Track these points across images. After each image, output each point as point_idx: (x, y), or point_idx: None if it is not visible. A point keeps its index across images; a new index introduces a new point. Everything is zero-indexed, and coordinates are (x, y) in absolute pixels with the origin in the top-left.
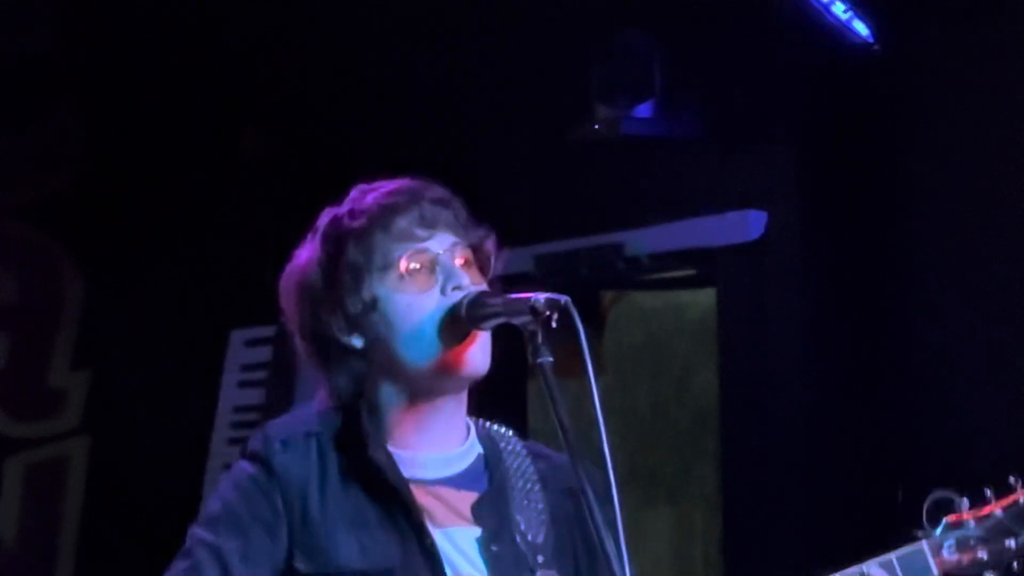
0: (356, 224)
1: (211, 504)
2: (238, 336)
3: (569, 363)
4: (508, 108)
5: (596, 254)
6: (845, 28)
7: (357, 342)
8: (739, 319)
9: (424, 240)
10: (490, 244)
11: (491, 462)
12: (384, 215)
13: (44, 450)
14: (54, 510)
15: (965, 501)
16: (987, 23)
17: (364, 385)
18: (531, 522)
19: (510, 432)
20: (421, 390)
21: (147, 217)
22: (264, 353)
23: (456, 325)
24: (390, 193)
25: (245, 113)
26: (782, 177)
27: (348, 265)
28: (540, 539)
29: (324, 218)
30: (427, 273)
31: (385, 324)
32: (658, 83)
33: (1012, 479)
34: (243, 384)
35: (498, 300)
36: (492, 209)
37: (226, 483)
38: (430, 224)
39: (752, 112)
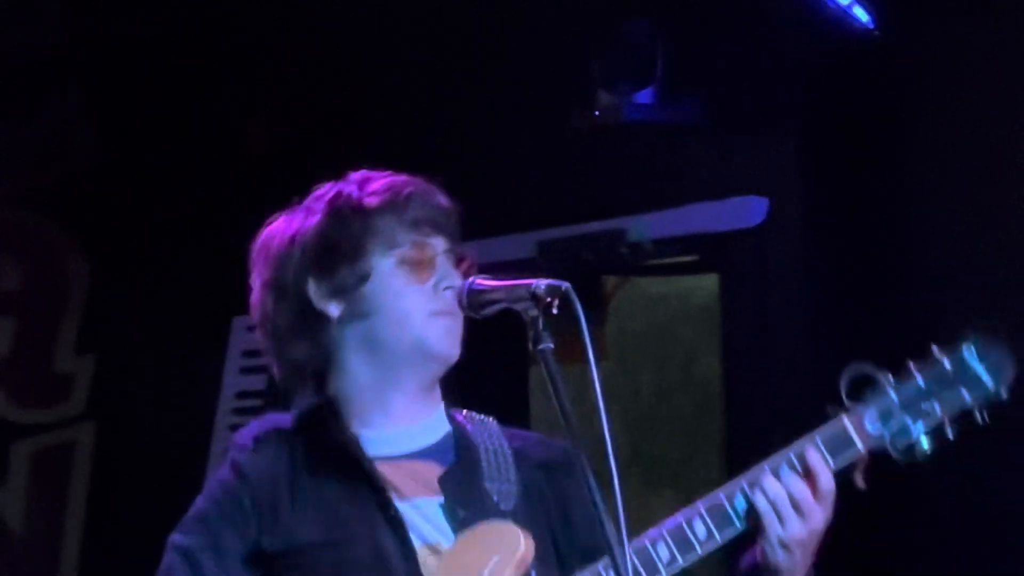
0: (370, 201)
1: (190, 510)
2: (240, 322)
3: (572, 349)
4: (510, 95)
5: (599, 240)
6: (846, 14)
7: (334, 310)
8: (742, 304)
9: (429, 236)
10: (470, 260)
11: (460, 439)
12: (399, 201)
13: (50, 436)
14: (60, 496)
15: (889, 376)
16: (988, 10)
17: (330, 359)
18: (502, 493)
19: (489, 419)
20: (394, 370)
21: (151, 204)
22: None
23: (445, 318)
24: (405, 182)
25: (251, 103)
26: (783, 163)
27: (351, 236)
28: (510, 507)
29: (328, 190)
30: (425, 266)
31: (370, 301)
32: (660, 70)
33: (934, 348)
34: (245, 370)
35: (499, 286)
36: (495, 195)
37: (203, 492)
38: (437, 224)
39: (753, 98)
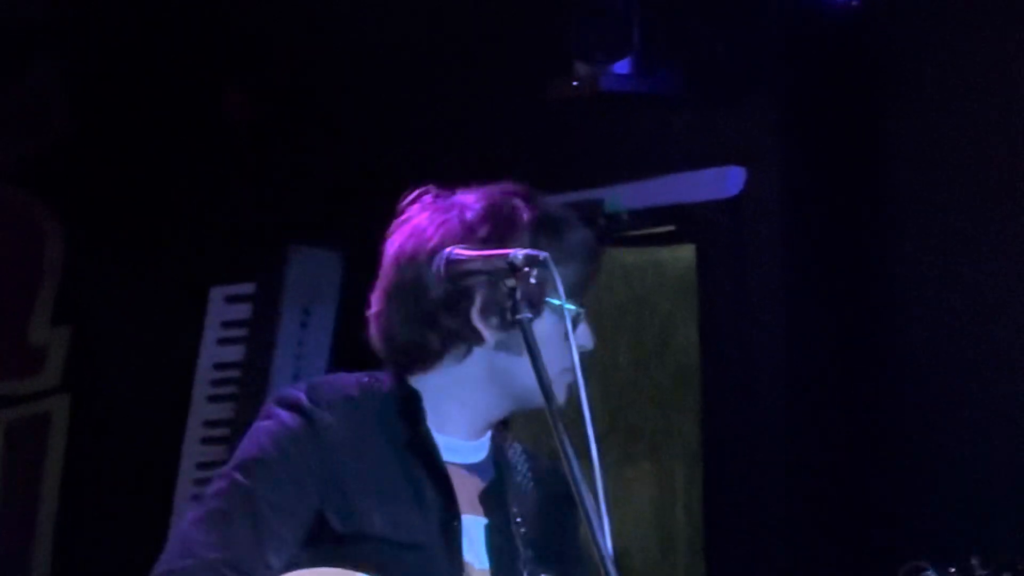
0: (571, 246)
1: (247, 448)
2: (218, 293)
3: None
4: (487, 66)
5: (575, 210)
6: None
7: (489, 337)
8: (719, 275)
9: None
10: None
11: (498, 453)
12: (590, 261)
13: (24, 408)
14: (34, 468)
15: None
16: None
17: (442, 364)
18: (526, 515)
19: (509, 435)
20: (508, 401)
21: (128, 175)
22: (244, 310)
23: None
24: (594, 239)
25: (227, 74)
26: (761, 133)
27: (540, 269)
28: (532, 533)
29: (520, 209)
30: (575, 327)
31: (529, 345)
32: (637, 39)
33: (974, 560)
34: (223, 341)
35: (477, 256)
36: (471, 166)
37: (265, 432)
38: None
39: (732, 68)
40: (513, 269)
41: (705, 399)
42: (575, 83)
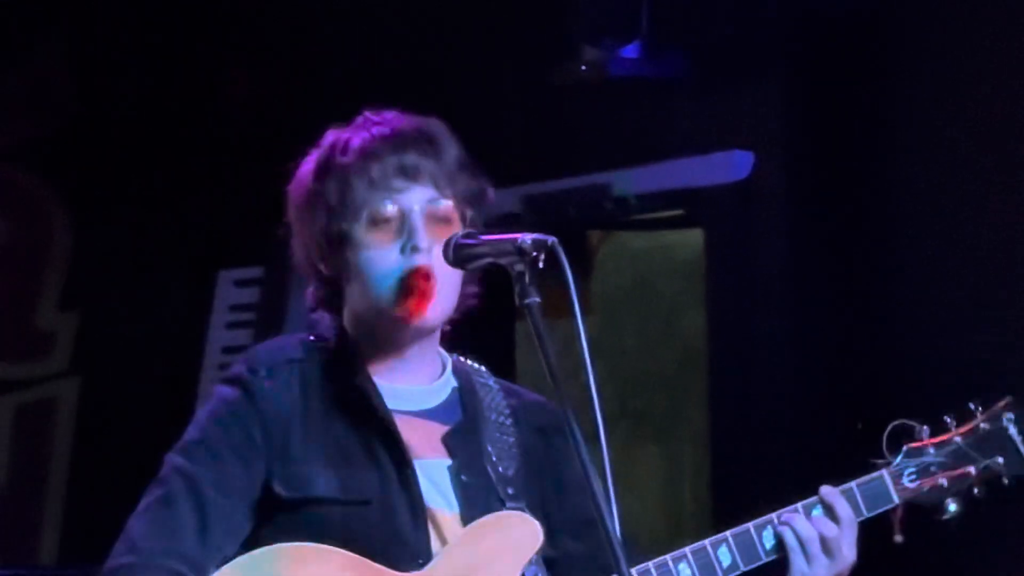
0: (341, 160)
1: (190, 431)
2: (226, 276)
3: (557, 304)
4: (495, 49)
5: (583, 194)
6: None
7: (325, 269)
8: (726, 259)
9: (399, 191)
10: (478, 196)
11: (465, 395)
12: (365, 159)
13: (33, 391)
14: (43, 451)
15: (926, 429)
16: None
17: (340, 314)
18: (502, 454)
19: (483, 368)
20: (385, 332)
21: (135, 158)
22: (252, 294)
23: (408, 283)
24: (377, 137)
25: (232, 53)
26: (768, 117)
27: (325, 200)
28: (511, 471)
29: (326, 139)
30: (393, 228)
31: (348, 267)
32: (645, 23)
33: (972, 405)
34: (231, 325)
35: (484, 241)
36: (479, 150)
37: (205, 411)
38: (410, 175)
39: (738, 52)
40: (521, 253)
41: (712, 383)
42: (583, 67)
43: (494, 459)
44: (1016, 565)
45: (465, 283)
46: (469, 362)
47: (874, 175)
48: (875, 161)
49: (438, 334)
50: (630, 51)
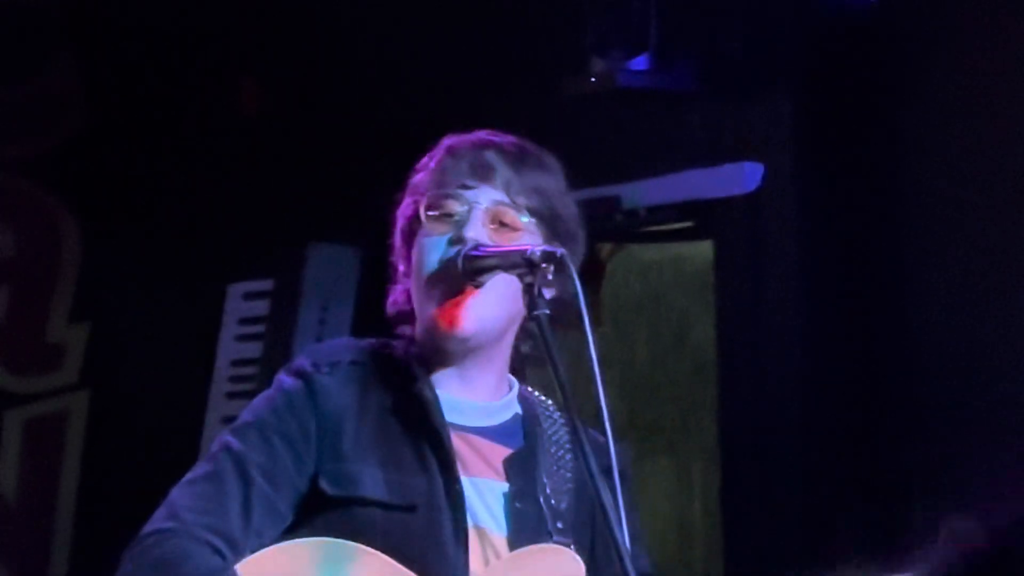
0: (426, 160)
1: (244, 414)
2: (236, 290)
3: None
4: (503, 61)
5: (593, 207)
6: None
7: (401, 265)
8: (736, 271)
9: (464, 188)
10: (555, 220)
11: (527, 423)
12: (447, 155)
13: (43, 405)
14: (53, 465)
15: None
16: None
17: (409, 321)
18: (557, 488)
19: (550, 401)
20: (433, 338)
21: (145, 170)
22: (262, 307)
23: (447, 281)
24: (464, 137)
25: (244, 66)
26: (779, 128)
27: (411, 191)
28: (563, 506)
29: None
30: (446, 219)
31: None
32: (654, 35)
33: None
34: (241, 338)
35: (494, 252)
36: None
37: (263, 396)
38: (480, 173)
39: (749, 64)
40: (531, 265)
41: (722, 395)
42: (592, 79)
43: (548, 491)
44: None
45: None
46: (536, 393)
47: (885, 187)
48: (886, 173)
49: (505, 355)
50: (639, 63)
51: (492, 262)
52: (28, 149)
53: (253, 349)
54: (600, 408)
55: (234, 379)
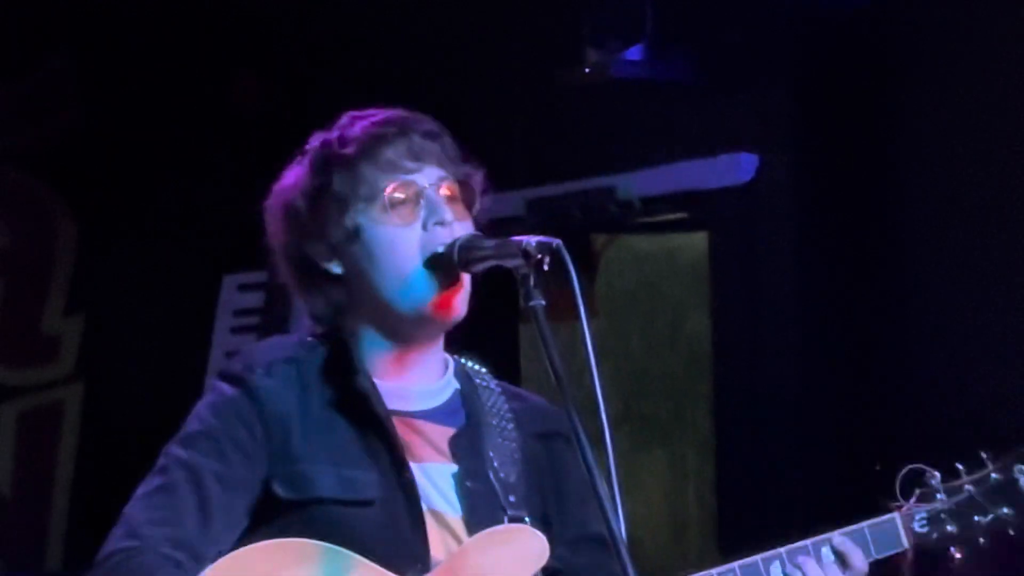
0: (344, 152)
1: (190, 423)
2: (231, 281)
3: (561, 307)
4: (498, 52)
5: (588, 197)
6: None
7: (336, 269)
8: (731, 262)
9: (411, 172)
10: (477, 180)
11: (467, 398)
12: (372, 145)
13: (38, 397)
14: (48, 457)
15: (937, 475)
16: None
17: (345, 315)
18: (504, 460)
19: (484, 370)
20: (399, 331)
21: (140, 162)
22: (257, 298)
23: (443, 269)
24: (380, 123)
25: (238, 58)
26: (773, 119)
27: (334, 193)
28: (512, 478)
29: (313, 142)
30: (411, 205)
31: (367, 255)
32: (649, 26)
33: (984, 455)
34: (236, 329)
35: (490, 243)
36: (483, 153)
37: (204, 405)
38: (418, 156)
39: (743, 54)
40: (526, 256)
41: (717, 386)
42: (587, 70)
43: (496, 465)
44: None
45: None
46: (470, 364)
47: (880, 177)
48: (881, 163)
49: (443, 333)
50: (634, 53)
51: (488, 253)
52: (24, 142)
53: (248, 340)
54: (596, 399)
55: None
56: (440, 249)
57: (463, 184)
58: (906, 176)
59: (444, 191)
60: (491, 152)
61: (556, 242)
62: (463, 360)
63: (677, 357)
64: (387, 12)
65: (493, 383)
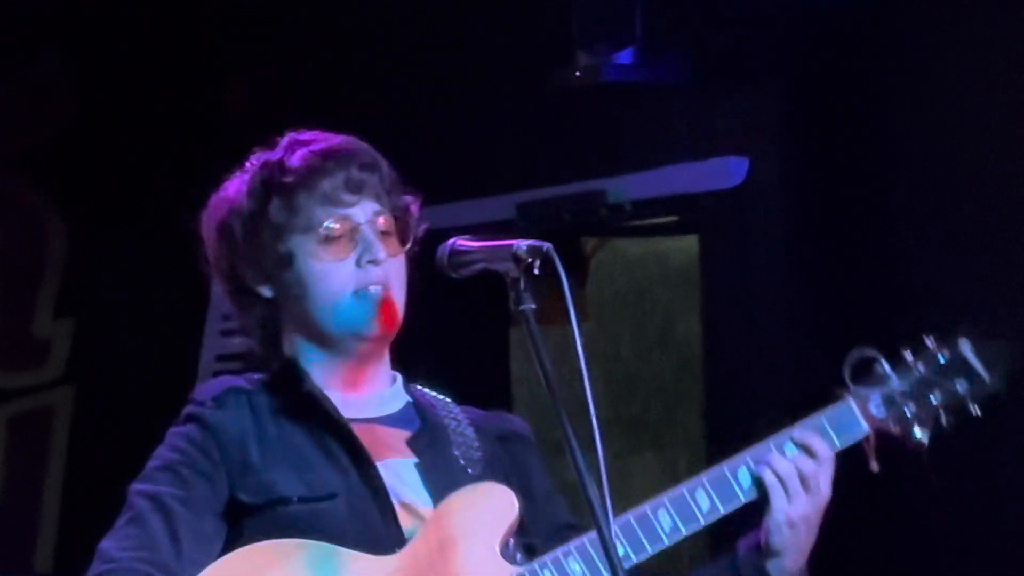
0: (283, 180)
1: (149, 464)
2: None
3: (552, 310)
4: (489, 55)
5: (578, 201)
6: None
7: (267, 292)
8: (721, 265)
9: (348, 206)
10: (412, 211)
11: (421, 407)
12: (311, 176)
13: (28, 400)
14: (39, 460)
15: (885, 362)
16: None
17: (276, 335)
18: (469, 458)
19: (437, 394)
20: (338, 349)
21: (131, 166)
22: None
23: (372, 299)
24: (319, 153)
25: (230, 61)
26: (764, 123)
27: (269, 220)
28: (478, 472)
29: (254, 162)
30: (346, 241)
31: (298, 283)
32: (639, 29)
33: (928, 340)
34: (226, 333)
35: (480, 248)
36: (473, 157)
37: (162, 446)
38: (356, 189)
39: (734, 58)
40: (516, 260)
41: (707, 389)
42: (577, 73)
43: (461, 463)
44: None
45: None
46: (422, 388)
47: (870, 181)
48: (871, 167)
49: (387, 345)
50: (625, 57)
51: (477, 256)
52: (15, 144)
53: (238, 344)
54: (586, 402)
55: (219, 374)
56: (371, 291)
57: (398, 218)
58: (896, 180)
59: (379, 226)
60: (481, 155)
61: (546, 245)
62: (413, 384)
63: (668, 361)
64: (377, 16)
65: (445, 398)
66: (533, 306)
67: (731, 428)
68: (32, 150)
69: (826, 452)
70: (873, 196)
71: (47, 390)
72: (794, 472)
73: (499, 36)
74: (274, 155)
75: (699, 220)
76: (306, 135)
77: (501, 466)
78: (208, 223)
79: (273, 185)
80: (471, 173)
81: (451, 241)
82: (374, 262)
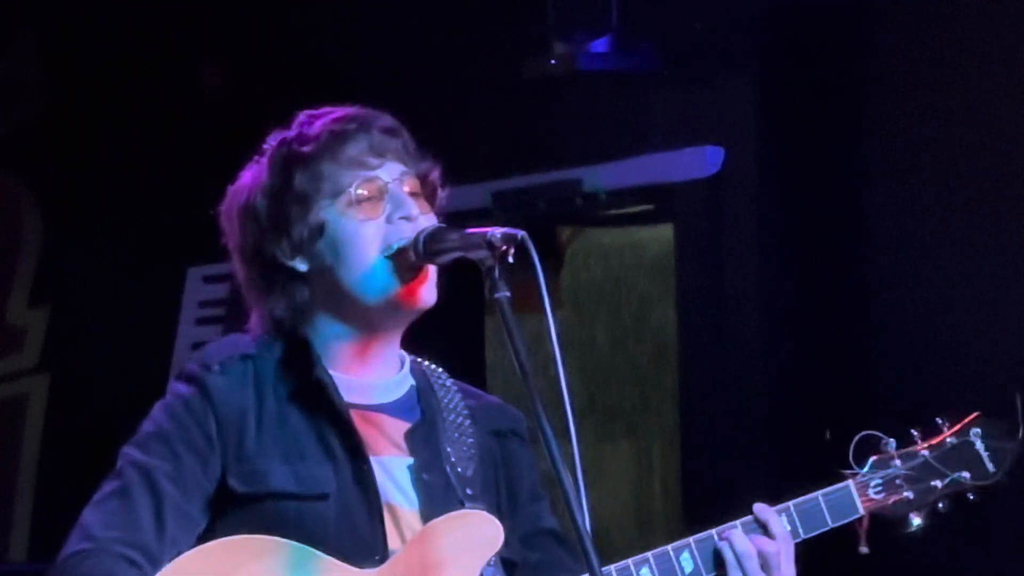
0: (305, 150)
1: (145, 425)
2: (196, 273)
3: (527, 298)
4: (464, 44)
5: (554, 190)
6: None
7: (301, 266)
8: (697, 254)
9: (374, 168)
10: (436, 175)
11: (423, 394)
12: (334, 142)
13: (3, 388)
14: (13, 448)
15: (892, 441)
16: None
17: (305, 313)
18: (460, 455)
19: (440, 369)
20: (366, 321)
21: (105, 154)
22: (222, 290)
23: (408, 260)
24: (340, 120)
25: (203, 49)
26: (739, 112)
27: (296, 191)
28: (469, 472)
29: (272, 142)
30: (376, 201)
31: (331, 251)
32: (615, 18)
33: (939, 420)
34: (201, 321)
35: (455, 235)
36: (449, 145)
37: (160, 406)
38: (379, 152)
39: (710, 47)
40: (491, 247)
41: (682, 378)
42: (553, 62)
43: (452, 460)
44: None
45: None
46: (426, 363)
47: (846, 170)
48: (847, 156)
49: (406, 325)
50: (600, 45)
51: (453, 244)
52: None
53: (213, 332)
54: (561, 391)
55: None
56: (403, 243)
57: (424, 179)
58: (872, 169)
59: (407, 187)
60: (457, 144)
61: (521, 233)
62: (418, 359)
63: (643, 349)
64: (353, 3)
65: (449, 381)
66: (508, 294)
67: (705, 416)
68: (6, 138)
69: (784, 532)
70: (848, 185)
71: (22, 378)
72: (753, 552)
73: (475, 25)
74: (290, 131)
75: (675, 209)
76: (319, 111)
77: (492, 462)
78: (229, 210)
79: (295, 157)
80: (447, 161)
81: (424, 229)
82: (407, 218)
